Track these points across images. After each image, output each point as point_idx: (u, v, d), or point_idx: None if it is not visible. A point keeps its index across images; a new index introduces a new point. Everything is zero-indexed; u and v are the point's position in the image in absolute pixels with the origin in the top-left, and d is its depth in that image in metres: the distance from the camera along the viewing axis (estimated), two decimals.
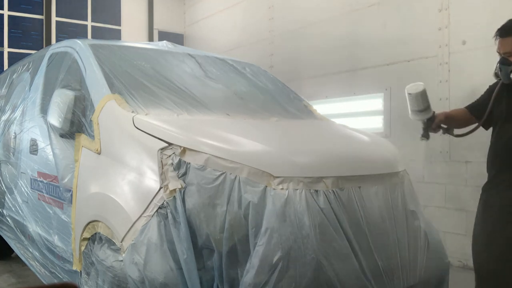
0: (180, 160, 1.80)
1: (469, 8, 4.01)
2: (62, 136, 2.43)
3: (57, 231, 2.56)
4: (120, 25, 7.83)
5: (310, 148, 2.05)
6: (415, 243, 2.04)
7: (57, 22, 7.15)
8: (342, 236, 1.73)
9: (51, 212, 2.64)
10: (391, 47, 4.62)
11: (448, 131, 2.62)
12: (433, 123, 2.55)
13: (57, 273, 2.60)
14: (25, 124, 3.17)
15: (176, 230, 1.69)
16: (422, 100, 2.48)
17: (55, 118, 2.37)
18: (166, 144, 1.86)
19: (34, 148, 2.94)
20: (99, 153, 2.18)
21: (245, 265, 1.63)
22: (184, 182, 1.77)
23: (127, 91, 2.29)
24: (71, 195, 2.31)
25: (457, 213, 4.03)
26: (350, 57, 5.07)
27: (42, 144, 2.81)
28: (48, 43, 6.85)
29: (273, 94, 3.06)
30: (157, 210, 1.75)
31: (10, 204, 3.39)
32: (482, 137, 2.53)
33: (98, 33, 7.50)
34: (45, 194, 2.74)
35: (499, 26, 2.36)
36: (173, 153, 1.83)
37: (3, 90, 4.10)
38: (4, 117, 3.73)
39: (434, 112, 2.60)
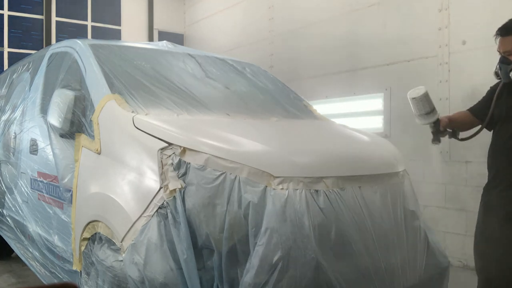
0: (180, 160, 1.80)
1: (469, 8, 4.01)
2: (62, 136, 2.43)
3: (57, 231, 2.56)
4: (120, 25, 7.83)
5: (310, 148, 2.05)
6: (415, 243, 2.05)
7: (57, 22, 7.15)
8: (342, 236, 1.73)
9: (51, 212, 2.64)
10: (391, 47, 4.62)
11: (454, 135, 2.60)
12: (439, 126, 2.52)
13: (57, 273, 2.60)
14: (25, 124, 3.17)
15: (176, 230, 1.69)
16: (427, 102, 2.46)
17: (55, 118, 2.37)
18: (166, 144, 1.86)
19: (34, 148, 2.94)
20: (99, 153, 2.18)
21: (245, 265, 1.63)
22: (184, 182, 1.77)
23: (127, 91, 2.29)
24: (71, 195, 2.31)
25: (457, 213, 4.03)
26: (350, 57, 5.07)
27: (42, 144, 2.81)
28: (48, 43, 6.85)
29: (273, 94, 3.06)
30: (157, 210, 1.75)
31: (10, 204, 3.39)
32: (482, 137, 2.53)
33: (98, 33, 7.50)
34: (45, 194, 2.74)
35: (499, 26, 2.36)
36: (173, 153, 1.83)
37: (3, 90, 4.10)
38: (4, 117, 3.73)
39: (439, 115, 2.58)
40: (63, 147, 2.47)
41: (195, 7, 8.19)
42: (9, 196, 3.42)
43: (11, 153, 3.42)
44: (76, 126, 2.37)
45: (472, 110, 2.59)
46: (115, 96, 2.25)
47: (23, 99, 3.38)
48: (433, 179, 4.23)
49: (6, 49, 6.74)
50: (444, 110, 4.04)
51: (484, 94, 2.57)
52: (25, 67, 3.66)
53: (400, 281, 1.89)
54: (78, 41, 2.79)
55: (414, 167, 4.12)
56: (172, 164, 1.81)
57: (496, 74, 2.39)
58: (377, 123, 4.80)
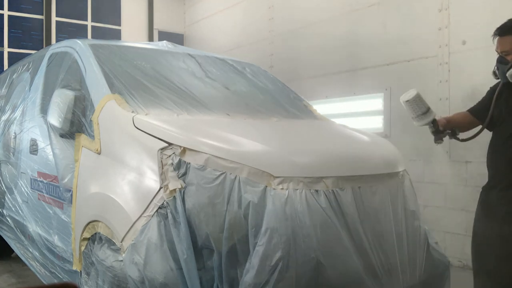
0: (180, 160, 1.80)
1: (469, 8, 4.01)
2: (62, 136, 2.43)
3: (57, 231, 2.56)
4: (120, 25, 7.83)
5: (310, 148, 2.05)
6: (414, 243, 2.05)
7: (57, 22, 7.15)
8: (342, 236, 1.73)
9: (51, 212, 2.64)
10: (391, 47, 4.62)
11: (453, 135, 2.61)
12: (438, 126, 2.54)
13: (57, 273, 2.60)
14: (25, 124, 3.17)
15: (176, 230, 1.69)
16: (421, 103, 2.49)
17: (55, 118, 2.37)
18: (166, 144, 1.86)
19: (34, 148, 2.94)
20: (99, 153, 2.18)
21: (245, 265, 1.63)
22: (184, 182, 1.77)
23: (127, 91, 2.29)
24: (71, 195, 2.31)
25: (457, 213, 4.03)
26: (350, 57, 5.07)
27: (42, 144, 2.81)
28: (48, 43, 6.85)
29: (273, 94, 3.06)
30: (157, 210, 1.75)
31: (10, 204, 3.39)
32: (482, 137, 2.53)
33: (98, 33, 7.50)
34: (45, 194, 2.74)
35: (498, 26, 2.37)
36: (173, 153, 1.83)
37: (3, 90, 4.10)
38: (4, 117, 3.73)
39: (435, 114, 2.59)
40: (63, 147, 2.47)
41: (195, 7, 8.19)
42: (9, 196, 3.42)
43: (11, 153, 3.42)
44: (76, 126, 2.37)
45: (471, 110, 2.59)
46: (115, 96, 2.25)
47: (23, 99, 3.38)
48: (433, 179, 4.23)
49: (6, 49, 6.74)
50: (444, 110, 4.04)
51: (484, 94, 2.57)
52: (25, 67, 3.66)
53: (400, 281, 1.89)
54: (78, 41, 2.79)
55: (414, 167, 4.13)
56: (172, 164, 1.81)
57: (494, 74, 2.40)
58: (377, 123, 4.80)
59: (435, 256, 2.16)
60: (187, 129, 1.99)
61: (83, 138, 2.33)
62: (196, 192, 1.74)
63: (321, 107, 3.74)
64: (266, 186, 1.70)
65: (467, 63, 4.00)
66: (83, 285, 2.16)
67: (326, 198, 1.73)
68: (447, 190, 4.15)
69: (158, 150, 1.86)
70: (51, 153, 2.57)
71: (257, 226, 1.64)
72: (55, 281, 2.60)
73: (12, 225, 3.40)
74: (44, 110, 2.86)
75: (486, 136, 2.50)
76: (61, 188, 2.44)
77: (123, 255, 1.79)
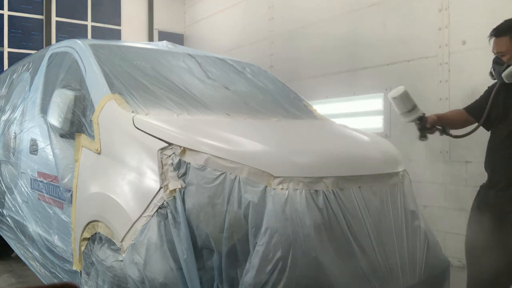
0: (180, 160, 1.80)
1: (469, 8, 4.01)
2: (62, 136, 2.43)
3: (57, 231, 2.56)
4: (120, 25, 7.83)
5: (310, 148, 2.05)
6: (414, 243, 2.05)
7: (57, 22, 7.15)
8: (342, 236, 1.73)
9: (51, 212, 2.64)
10: (391, 47, 4.62)
11: (444, 131, 2.63)
12: (426, 123, 2.58)
13: (57, 273, 2.60)
14: (25, 124, 3.18)
15: (176, 230, 1.69)
16: (407, 100, 2.57)
17: (55, 118, 2.37)
18: (166, 144, 1.87)
19: (34, 148, 2.94)
20: (99, 153, 2.18)
21: (245, 265, 1.63)
22: (184, 182, 1.77)
23: (127, 91, 2.29)
24: (71, 195, 2.31)
25: (457, 213, 4.03)
26: (350, 57, 5.07)
27: (42, 144, 2.81)
28: (48, 43, 6.85)
29: (273, 94, 3.06)
30: (157, 210, 1.75)
31: (10, 204, 3.39)
32: (482, 137, 2.53)
33: (98, 33, 7.50)
34: (45, 194, 2.74)
35: None
36: (173, 153, 1.83)
37: (3, 90, 4.10)
38: (4, 117, 3.73)
39: (424, 113, 2.62)
40: (63, 147, 2.47)
41: (195, 7, 8.19)
42: (9, 196, 3.42)
43: (11, 153, 3.43)
44: (76, 126, 2.37)
45: (468, 108, 2.60)
46: (115, 96, 2.25)
47: (23, 99, 3.38)
48: (433, 179, 4.23)
49: (6, 49, 6.74)
50: (444, 110, 4.03)
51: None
52: (25, 67, 3.66)
53: (400, 281, 1.89)
54: (78, 41, 2.79)
55: (414, 167, 4.12)
56: (172, 164, 1.81)
57: (491, 74, 2.41)
58: (377, 123, 4.79)
59: (435, 256, 2.16)
60: (187, 129, 1.99)
61: (83, 138, 2.33)
62: (196, 192, 1.74)
63: (321, 107, 3.74)
64: (266, 186, 1.70)
65: (467, 63, 4.00)
66: (83, 285, 2.16)
67: (326, 198, 1.73)
68: (447, 190, 4.14)
69: (158, 150, 1.86)
70: (51, 153, 2.58)
71: (257, 226, 1.64)
72: (55, 281, 2.60)
73: (12, 225, 3.40)
74: (44, 110, 2.86)
75: (486, 136, 2.50)
76: (61, 188, 2.44)
77: (123, 255, 1.79)
